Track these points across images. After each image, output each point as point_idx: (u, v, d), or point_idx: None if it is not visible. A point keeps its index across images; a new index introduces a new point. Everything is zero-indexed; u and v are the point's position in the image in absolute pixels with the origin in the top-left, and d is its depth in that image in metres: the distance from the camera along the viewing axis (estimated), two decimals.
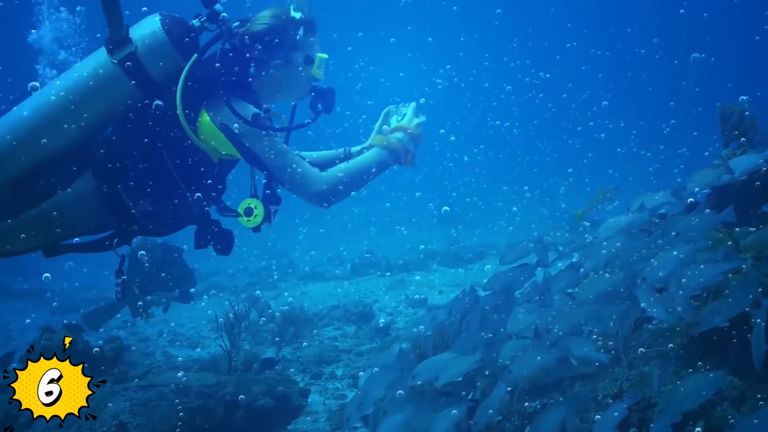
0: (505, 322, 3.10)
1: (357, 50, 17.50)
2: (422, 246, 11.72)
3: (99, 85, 2.21)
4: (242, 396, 3.88)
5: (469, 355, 2.92)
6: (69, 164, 2.27)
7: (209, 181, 2.39)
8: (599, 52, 23.82)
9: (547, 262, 3.27)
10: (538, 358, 2.71)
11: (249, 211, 2.34)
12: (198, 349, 7.20)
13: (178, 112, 2.23)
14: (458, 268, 10.38)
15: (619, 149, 17.64)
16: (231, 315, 4.52)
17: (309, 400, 4.97)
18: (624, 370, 2.74)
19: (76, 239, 2.41)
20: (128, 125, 2.31)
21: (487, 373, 3.06)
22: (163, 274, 7.04)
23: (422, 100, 2.66)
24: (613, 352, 2.75)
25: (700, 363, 2.86)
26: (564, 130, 21.50)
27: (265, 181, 2.52)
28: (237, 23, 2.41)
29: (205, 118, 2.26)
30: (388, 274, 10.48)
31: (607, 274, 2.86)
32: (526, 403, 2.97)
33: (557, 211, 12.54)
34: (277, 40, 2.41)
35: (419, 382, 2.88)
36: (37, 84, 2.35)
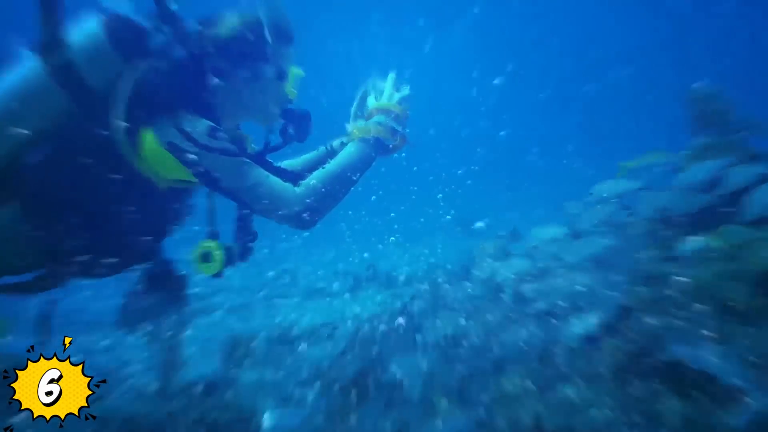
0: None
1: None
2: (436, 251, 11.39)
3: (28, 97, 1.86)
4: (165, 427, 3.63)
5: None
6: None
7: (156, 211, 2.06)
8: None
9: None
10: None
11: (206, 257, 1.99)
12: (180, 373, 7.01)
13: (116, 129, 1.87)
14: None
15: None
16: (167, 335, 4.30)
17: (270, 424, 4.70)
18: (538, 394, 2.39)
19: None
20: (63, 145, 1.93)
21: None
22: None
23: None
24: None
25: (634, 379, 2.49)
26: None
27: (237, 217, 2.22)
28: (199, 27, 2.05)
29: (149, 136, 1.87)
30: (391, 288, 10.18)
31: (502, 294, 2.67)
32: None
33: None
34: (244, 48, 2.05)
35: None
36: None
